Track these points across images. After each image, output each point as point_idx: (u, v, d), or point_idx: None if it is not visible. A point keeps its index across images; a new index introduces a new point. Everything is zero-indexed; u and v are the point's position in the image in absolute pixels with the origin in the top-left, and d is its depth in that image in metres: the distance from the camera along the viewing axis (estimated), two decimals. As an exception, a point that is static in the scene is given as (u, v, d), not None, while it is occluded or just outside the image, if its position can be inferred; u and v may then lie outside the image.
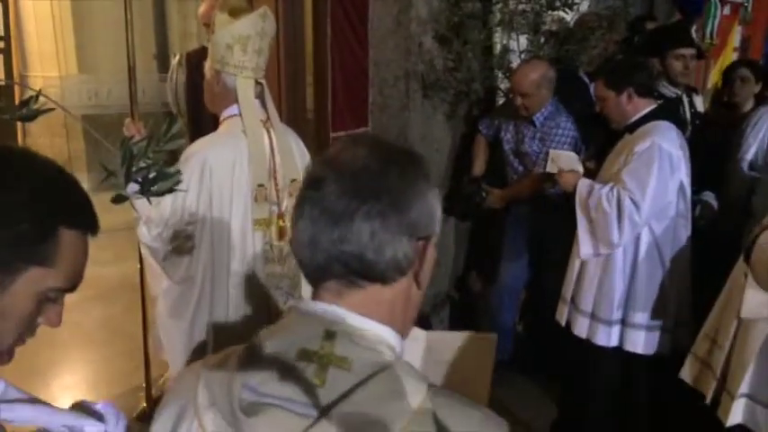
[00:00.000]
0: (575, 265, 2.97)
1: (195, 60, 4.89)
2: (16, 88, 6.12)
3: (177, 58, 5.64)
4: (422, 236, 0.92)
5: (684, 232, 2.81)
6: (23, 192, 0.96)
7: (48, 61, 6.47)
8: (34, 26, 6.29)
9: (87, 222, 1.05)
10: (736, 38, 5.25)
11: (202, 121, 4.30)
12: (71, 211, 1.03)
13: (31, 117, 1.30)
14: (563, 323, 3.02)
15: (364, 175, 0.90)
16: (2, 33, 6.05)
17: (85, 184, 5.01)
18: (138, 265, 3.11)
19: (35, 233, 0.96)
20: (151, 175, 1.29)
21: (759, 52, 5.58)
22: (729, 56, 5.24)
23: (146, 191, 1.35)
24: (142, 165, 1.26)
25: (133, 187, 1.36)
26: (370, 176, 0.90)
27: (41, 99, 1.28)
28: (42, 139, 6.64)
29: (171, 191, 1.39)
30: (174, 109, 5.51)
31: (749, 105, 3.74)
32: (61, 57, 6.35)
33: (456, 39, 3.69)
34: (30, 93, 1.36)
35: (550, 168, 3.17)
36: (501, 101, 4.01)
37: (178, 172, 1.32)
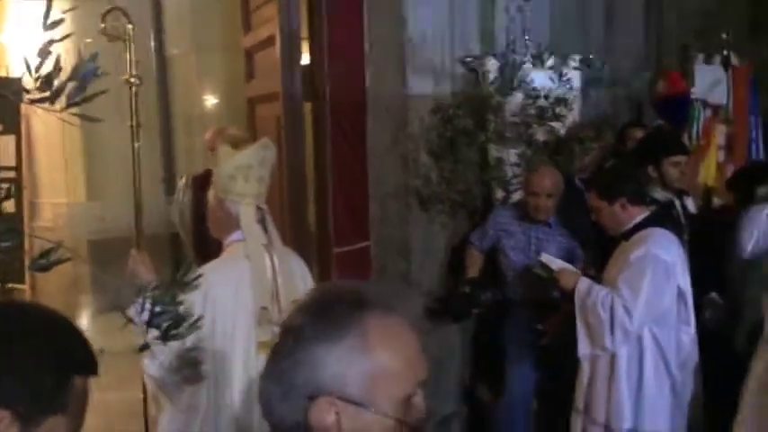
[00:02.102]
0: (585, 373, 2.96)
1: (201, 183, 5.05)
2: (26, 214, 6.28)
3: (184, 179, 5.81)
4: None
5: (687, 338, 2.82)
6: (39, 347, 1.01)
7: (57, 189, 6.65)
8: (45, 156, 6.51)
9: (94, 367, 1.11)
10: (719, 137, 5.41)
11: (207, 243, 4.39)
12: (82, 360, 1.09)
13: (48, 268, 1.35)
14: None
15: None
16: (14, 163, 6.26)
17: (91, 306, 5.00)
18: (142, 396, 3.08)
19: (53, 386, 1.01)
20: (167, 322, 1.33)
21: (744, 147, 5.73)
22: (714, 153, 5.38)
23: (165, 336, 1.39)
24: (158, 310, 1.31)
25: (151, 332, 1.40)
26: None
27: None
28: (50, 263, 6.71)
29: (188, 335, 1.43)
30: (180, 230, 5.62)
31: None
32: (70, 184, 6.54)
33: (449, 154, 3.82)
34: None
35: (540, 272, 3.22)
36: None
37: (194, 315, 1.37)
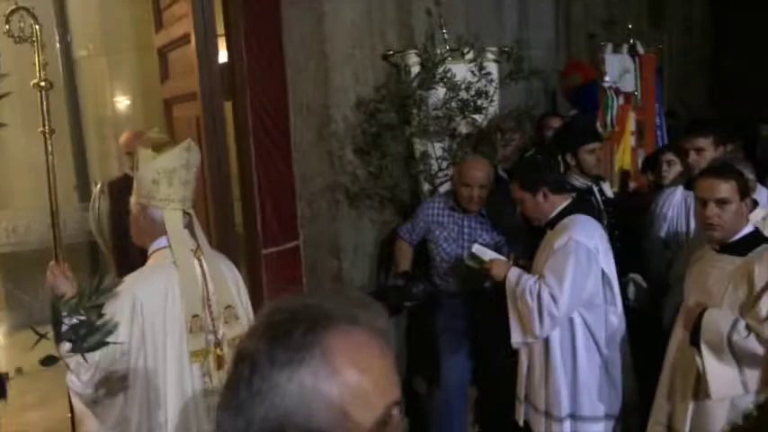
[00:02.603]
0: (523, 362, 3.03)
1: (118, 189, 4.86)
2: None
3: (99, 186, 5.57)
4: None
5: (615, 318, 2.92)
6: None
7: (-40, 199, 6.28)
8: (-55, 165, 6.14)
9: (2, 391, 1.08)
10: (631, 123, 5.64)
11: (128, 251, 4.23)
12: None
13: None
14: (521, 423, 3.03)
15: None
16: None
17: (5, 323, 4.74)
18: (69, 414, 2.94)
19: None
20: (82, 331, 1.26)
21: (652, 133, 6.01)
22: (628, 139, 5.60)
23: (78, 348, 1.32)
24: (73, 321, 1.24)
25: (65, 345, 1.32)
26: None
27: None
28: (-44, 280, 6.34)
29: (104, 344, 1.36)
30: (99, 239, 5.39)
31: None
32: (-24, 195, 6.19)
33: (375, 149, 3.82)
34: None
35: (471, 263, 3.26)
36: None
37: (110, 324, 1.30)
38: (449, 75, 3.79)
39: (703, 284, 2.63)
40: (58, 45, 6.37)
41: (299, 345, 0.86)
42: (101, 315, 1.33)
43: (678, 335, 2.69)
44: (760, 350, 2.38)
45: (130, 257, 3.99)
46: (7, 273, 6.11)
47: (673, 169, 3.80)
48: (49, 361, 1.27)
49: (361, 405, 0.86)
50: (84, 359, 1.27)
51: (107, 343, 1.30)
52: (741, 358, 2.43)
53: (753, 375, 2.44)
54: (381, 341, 0.92)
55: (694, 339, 2.50)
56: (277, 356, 0.86)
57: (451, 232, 3.67)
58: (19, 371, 4.80)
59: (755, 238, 2.61)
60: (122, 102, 6.55)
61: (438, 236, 3.70)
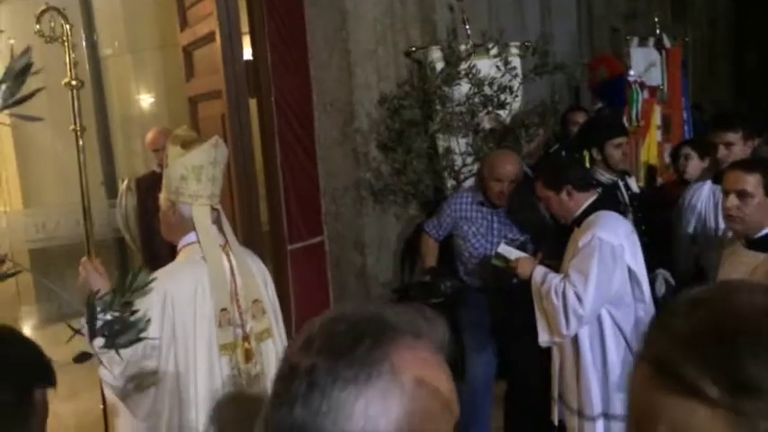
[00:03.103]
0: (555, 361, 3.02)
1: (145, 186, 4.92)
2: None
3: (126, 182, 5.64)
4: None
5: (645, 316, 2.89)
6: None
7: (-9, 197, 6.41)
8: (-25, 162, 6.27)
9: (53, 378, 1.11)
10: (657, 117, 5.60)
11: (155, 246, 4.29)
12: (39, 372, 1.09)
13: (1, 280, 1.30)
14: (556, 422, 3.02)
15: None
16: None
17: (36, 316, 4.82)
18: (102, 406, 2.99)
19: (14, 401, 1.01)
20: (116, 328, 1.28)
21: (679, 127, 5.96)
22: (654, 134, 5.57)
23: (112, 344, 1.34)
24: (107, 317, 1.26)
25: (98, 340, 1.35)
26: None
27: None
28: (-13, 275, 6.45)
29: (137, 341, 1.39)
30: (126, 234, 5.47)
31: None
32: (5, 191, 6.30)
33: (399, 145, 3.83)
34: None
35: (497, 262, 3.24)
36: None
37: (143, 320, 1.33)
38: (474, 71, 3.78)
39: (730, 279, 2.60)
40: (84, 43, 6.46)
41: (365, 360, 0.79)
42: (134, 311, 1.35)
43: None
44: None
45: (158, 253, 4.06)
46: (37, 268, 6.22)
47: (690, 163, 3.76)
48: (82, 357, 1.30)
49: (431, 425, 0.81)
50: (119, 355, 1.30)
51: (141, 339, 1.33)
52: None
53: None
54: (442, 355, 0.85)
55: None
56: (340, 372, 0.79)
57: (480, 227, 3.64)
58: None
59: None
60: (148, 100, 6.63)
61: (466, 231, 3.66)
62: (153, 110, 6.59)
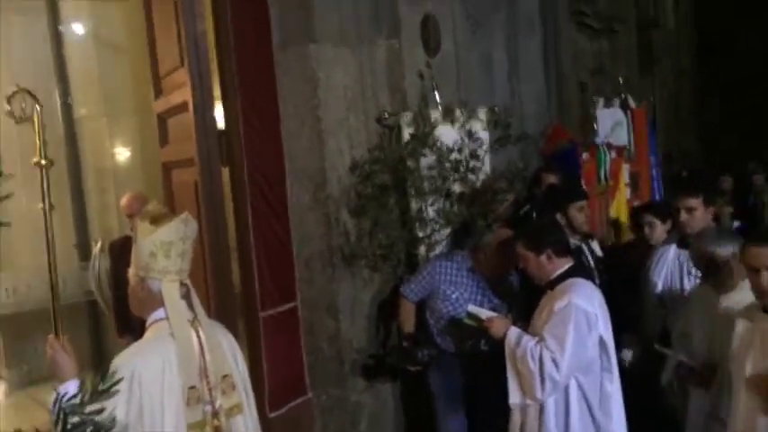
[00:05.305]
0: (516, 424, 3.03)
1: (118, 249, 4.91)
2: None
3: (99, 244, 5.63)
4: None
5: (609, 386, 2.93)
6: None
7: (-39, 260, 6.32)
8: (-54, 227, 6.18)
9: None
10: (625, 175, 5.76)
11: (128, 309, 4.25)
12: None
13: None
14: None
15: None
16: None
17: (5, 383, 4.68)
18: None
19: None
20: (88, 430, 1.29)
21: (647, 184, 6.12)
22: (623, 191, 5.72)
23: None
24: (76, 420, 1.27)
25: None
26: None
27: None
28: (-44, 340, 6.33)
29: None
30: (98, 297, 5.43)
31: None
32: (-25, 256, 6.22)
33: (370, 210, 3.88)
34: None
35: (470, 321, 3.27)
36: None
37: (108, 419, 1.33)
38: (438, 144, 3.88)
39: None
40: (58, 101, 6.47)
41: None
42: (101, 411, 1.36)
43: (744, 403, 2.62)
44: None
45: (130, 316, 4.02)
46: (8, 333, 6.11)
47: (655, 230, 3.87)
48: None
49: None
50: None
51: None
52: None
53: None
54: None
55: None
56: None
57: (465, 293, 3.65)
58: (17, 432, 4.78)
59: None
60: (123, 162, 6.65)
61: (450, 295, 3.68)
62: (128, 173, 6.61)
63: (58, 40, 6.37)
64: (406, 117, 4.08)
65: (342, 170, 3.97)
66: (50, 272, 2.65)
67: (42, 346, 2.44)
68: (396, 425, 4.24)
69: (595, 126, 5.36)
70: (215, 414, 2.49)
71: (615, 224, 5.38)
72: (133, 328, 3.56)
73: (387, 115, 4.15)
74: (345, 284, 3.97)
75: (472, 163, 3.97)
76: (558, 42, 6.75)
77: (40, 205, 2.56)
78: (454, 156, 3.96)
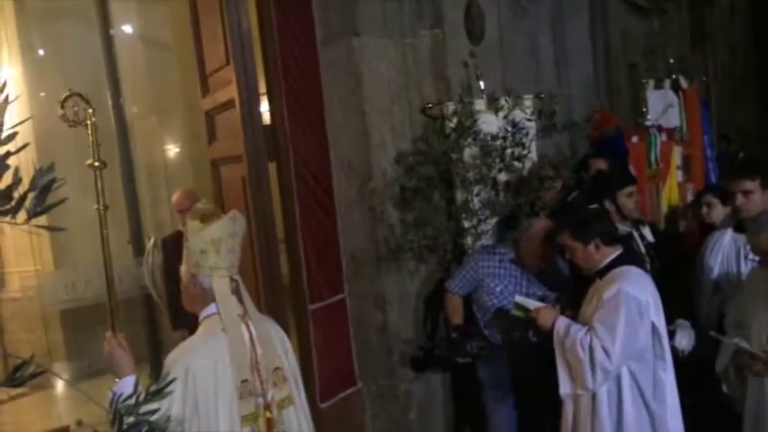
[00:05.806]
0: (568, 415, 2.99)
1: (171, 244, 5.03)
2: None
3: (153, 240, 5.77)
4: None
5: (663, 374, 2.87)
6: None
7: (23, 257, 6.57)
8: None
9: None
10: (677, 157, 5.61)
11: (181, 305, 4.35)
12: None
13: (21, 383, 1.35)
14: None
15: None
16: (-24, 236, 6.21)
17: (66, 374, 4.89)
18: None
19: None
20: (144, 430, 1.33)
21: (700, 166, 5.95)
22: (674, 174, 5.58)
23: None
24: (131, 421, 1.31)
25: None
26: None
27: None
28: (20, 334, 6.61)
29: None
30: (153, 291, 5.57)
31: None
32: (36, 252, 6.47)
33: (415, 201, 3.88)
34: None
35: (517, 313, 3.24)
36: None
37: (163, 419, 1.37)
38: (481, 135, 3.85)
39: None
40: (110, 103, 6.65)
41: None
42: (155, 411, 1.40)
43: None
44: None
45: (183, 311, 4.13)
46: (68, 327, 6.34)
47: (713, 211, 3.75)
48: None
49: None
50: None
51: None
52: None
53: None
54: None
55: None
56: None
57: (516, 285, 3.63)
58: (79, 423, 4.95)
59: None
60: (173, 159, 6.80)
61: (494, 288, 3.66)
62: (178, 165, 6.75)
63: (108, 42, 6.54)
64: (450, 107, 4.05)
65: (386, 163, 3.97)
66: (106, 269, 2.73)
67: (101, 339, 2.52)
68: (445, 414, 4.25)
69: (645, 109, 5.21)
70: (267, 406, 2.54)
71: (670, 208, 5.25)
72: (187, 323, 3.65)
73: (431, 105, 4.13)
74: (392, 276, 3.98)
75: (517, 151, 3.92)
76: (606, 24, 6.59)
77: (95, 206, 2.63)
78: (499, 143, 3.91)
